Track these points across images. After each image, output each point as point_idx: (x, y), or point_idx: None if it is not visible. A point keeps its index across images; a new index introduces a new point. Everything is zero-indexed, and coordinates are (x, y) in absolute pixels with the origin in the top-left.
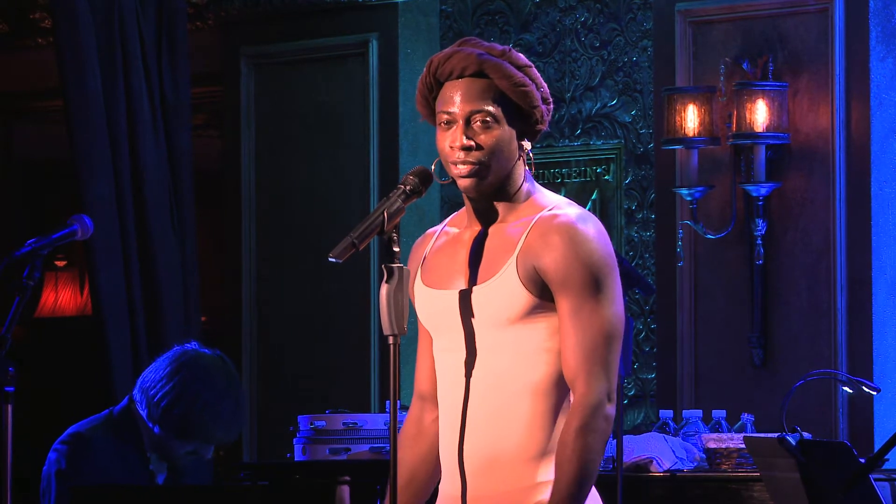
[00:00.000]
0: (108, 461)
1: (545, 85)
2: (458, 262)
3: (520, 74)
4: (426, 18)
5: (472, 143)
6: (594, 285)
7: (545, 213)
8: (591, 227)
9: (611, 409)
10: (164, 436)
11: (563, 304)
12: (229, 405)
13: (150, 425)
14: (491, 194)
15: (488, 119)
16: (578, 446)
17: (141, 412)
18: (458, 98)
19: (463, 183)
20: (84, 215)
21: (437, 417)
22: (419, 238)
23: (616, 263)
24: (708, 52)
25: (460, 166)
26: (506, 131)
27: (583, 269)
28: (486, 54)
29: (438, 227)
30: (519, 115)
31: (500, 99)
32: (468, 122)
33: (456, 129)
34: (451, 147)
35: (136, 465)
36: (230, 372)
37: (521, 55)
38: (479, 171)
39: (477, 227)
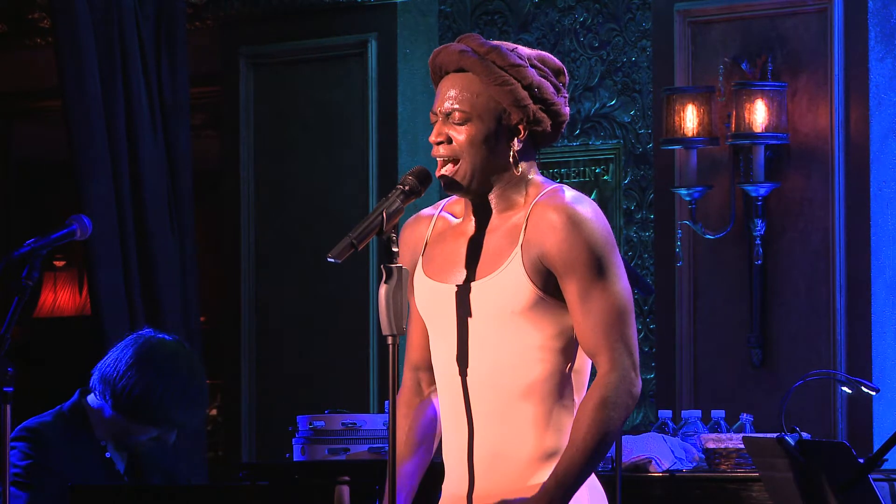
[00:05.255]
0: (64, 450)
1: (545, 84)
2: (461, 254)
3: (499, 72)
4: (425, 18)
5: (444, 137)
6: (599, 266)
7: (540, 198)
8: (588, 208)
9: (637, 382)
10: (128, 423)
11: (571, 288)
12: (192, 389)
13: (110, 413)
14: (483, 191)
15: (459, 114)
16: (598, 418)
17: (99, 402)
18: (441, 95)
19: (443, 182)
20: (83, 215)
21: (433, 385)
22: (411, 219)
23: (615, 241)
24: (707, 53)
25: (438, 161)
26: (482, 127)
27: (587, 252)
28: (469, 51)
29: (434, 211)
30: (506, 112)
31: (482, 95)
32: (447, 117)
33: (436, 125)
34: (431, 143)
35: (92, 455)
36: (191, 356)
37: (517, 55)
38: (457, 170)
39: (478, 219)
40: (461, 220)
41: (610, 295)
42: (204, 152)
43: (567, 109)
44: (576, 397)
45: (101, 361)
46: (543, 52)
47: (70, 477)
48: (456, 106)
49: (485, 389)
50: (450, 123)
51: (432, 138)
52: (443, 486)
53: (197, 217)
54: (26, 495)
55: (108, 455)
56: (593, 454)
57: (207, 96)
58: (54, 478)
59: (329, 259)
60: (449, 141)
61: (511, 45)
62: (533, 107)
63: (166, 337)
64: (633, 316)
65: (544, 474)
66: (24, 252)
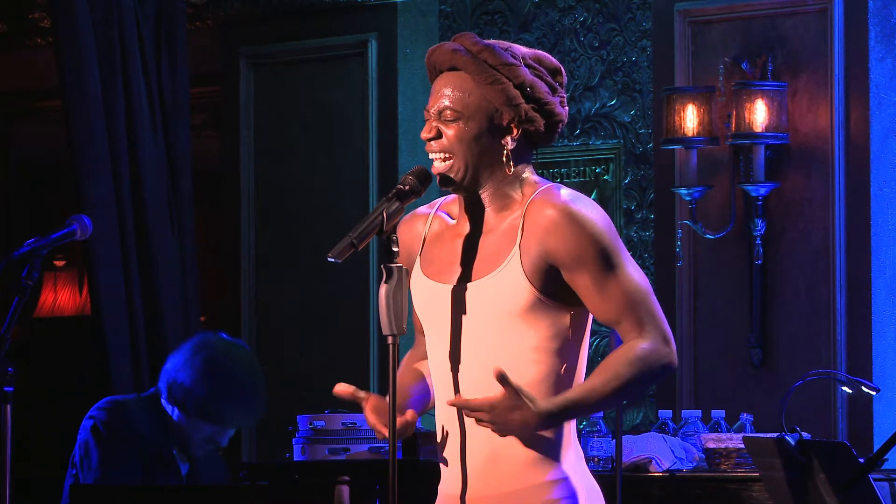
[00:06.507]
0: (143, 429)
1: (538, 83)
2: (458, 254)
3: (491, 71)
4: (425, 18)
5: (434, 132)
6: (608, 258)
7: (535, 197)
8: (586, 203)
9: (672, 356)
10: (184, 417)
11: (584, 282)
12: (249, 389)
13: (171, 408)
14: (477, 188)
15: (450, 113)
16: (622, 370)
17: (164, 400)
18: (435, 94)
19: (437, 178)
20: (83, 215)
21: None
22: (407, 216)
23: (615, 230)
24: (707, 52)
25: (432, 159)
26: (473, 126)
27: (593, 247)
28: (462, 50)
29: (430, 210)
30: (498, 112)
31: (473, 94)
32: (439, 115)
33: (427, 123)
34: (423, 139)
35: (165, 443)
36: (252, 358)
37: (510, 54)
38: (451, 166)
39: (474, 219)
40: (457, 220)
41: (626, 280)
42: (204, 152)
43: (563, 109)
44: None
45: (168, 357)
46: (540, 52)
47: (143, 456)
48: (448, 104)
49: (480, 390)
50: (441, 121)
51: (423, 134)
52: (438, 487)
53: (197, 217)
54: (104, 467)
55: (174, 452)
56: (605, 400)
57: (207, 96)
58: (131, 451)
59: (329, 259)
60: (439, 136)
61: (506, 44)
62: (525, 106)
63: (228, 338)
64: (653, 295)
65: (539, 476)
66: (24, 252)
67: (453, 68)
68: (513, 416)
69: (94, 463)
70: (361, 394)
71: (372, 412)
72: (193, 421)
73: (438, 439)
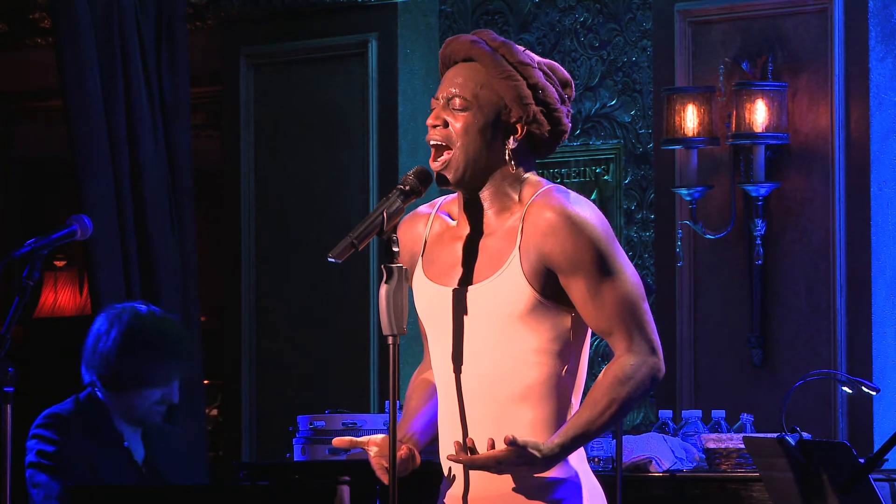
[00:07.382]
0: (86, 437)
1: (550, 88)
2: (458, 256)
3: (507, 66)
4: (425, 18)
5: (440, 121)
6: (605, 263)
7: (535, 199)
8: (585, 206)
9: (660, 366)
10: (127, 395)
11: (580, 287)
12: (170, 338)
13: (108, 395)
14: (475, 187)
15: (460, 101)
16: (615, 393)
17: (100, 391)
18: (446, 81)
19: (435, 174)
20: (83, 215)
21: None
22: (407, 216)
23: (613, 233)
24: (707, 52)
25: (431, 148)
26: (480, 118)
27: (591, 251)
28: (481, 42)
29: (430, 210)
30: (507, 108)
31: (486, 87)
32: (447, 103)
33: (435, 110)
34: (428, 126)
35: (111, 442)
36: (155, 311)
37: (527, 55)
38: (450, 161)
39: (474, 220)
40: (457, 221)
41: (620, 285)
42: (204, 152)
43: (568, 122)
44: (573, 399)
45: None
46: (554, 63)
47: (94, 462)
48: (458, 92)
49: (482, 393)
50: (449, 110)
51: (429, 121)
52: (441, 487)
53: (197, 217)
54: (59, 482)
55: (126, 444)
56: (601, 425)
57: (208, 96)
58: (81, 462)
59: (329, 259)
60: (445, 125)
61: (523, 47)
62: (535, 107)
63: (119, 304)
64: (646, 302)
65: (542, 476)
66: (24, 252)
67: (468, 59)
68: (519, 468)
69: (40, 480)
70: (361, 440)
71: (376, 458)
72: (138, 393)
73: (441, 441)
